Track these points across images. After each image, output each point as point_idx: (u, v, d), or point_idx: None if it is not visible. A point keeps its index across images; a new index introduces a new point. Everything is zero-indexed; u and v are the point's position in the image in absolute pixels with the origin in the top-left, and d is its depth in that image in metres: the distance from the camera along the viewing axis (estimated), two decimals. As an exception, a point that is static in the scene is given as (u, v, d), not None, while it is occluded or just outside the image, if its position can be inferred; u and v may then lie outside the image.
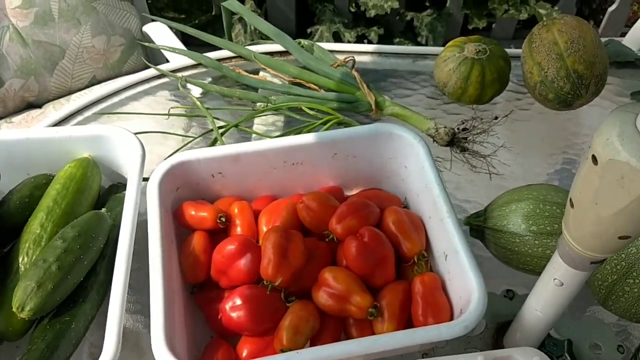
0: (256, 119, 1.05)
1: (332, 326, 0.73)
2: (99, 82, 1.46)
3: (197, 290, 0.78)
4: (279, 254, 0.72)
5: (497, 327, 0.79)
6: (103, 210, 0.77)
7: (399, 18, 2.19)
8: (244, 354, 0.71)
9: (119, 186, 0.86)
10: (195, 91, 1.10)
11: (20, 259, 0.71)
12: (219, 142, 0.96)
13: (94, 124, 1.02)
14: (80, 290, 0.70)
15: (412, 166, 0.82)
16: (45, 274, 0.66)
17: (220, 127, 0.97)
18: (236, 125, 1.00)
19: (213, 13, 2.14)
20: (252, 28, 1.95)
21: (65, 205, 0.76)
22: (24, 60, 1.33)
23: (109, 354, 0.61)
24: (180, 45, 1.31)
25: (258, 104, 1.05)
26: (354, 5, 2.13)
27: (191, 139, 1.00)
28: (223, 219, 0.78)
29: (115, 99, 1.06)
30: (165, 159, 0.79)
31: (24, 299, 0.64)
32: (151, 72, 1.11)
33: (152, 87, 1.11)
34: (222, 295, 0.76)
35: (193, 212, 0.79)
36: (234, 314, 0.71)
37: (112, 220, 0.77)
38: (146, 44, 1.25)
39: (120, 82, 1.08)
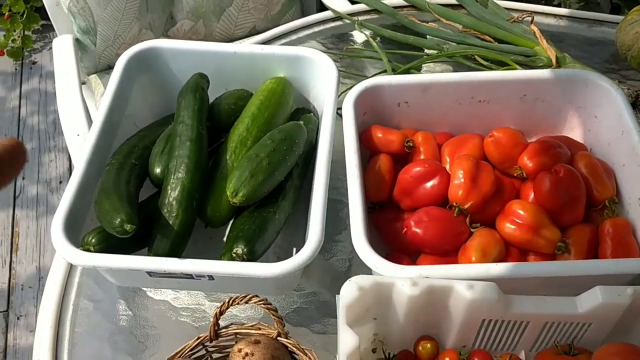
0: (424, 66, 1.06)
1: (515, 257, 0.73)
2: (257, 32, 1.52)
3: (377, 209, 0.80)
4: (469, 179, 0.73)
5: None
6: (301, 122, 0.81)
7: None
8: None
9: (303, 110, 0.89)
10: (361, 38, 1.13)
11: (228, 156, 0.76)
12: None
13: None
14: (279, 190, 0.74)
15: (605, 115, 0.80)
16: (257, 166, 0.70)
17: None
18: (408, 69, 1.01)
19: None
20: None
21: (267, 115, 0.81)
22: (197, 2, 1.41)
23: (314, 241, 0.65)
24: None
25: (429, 51, 1.06)
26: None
27: (362, 78, 1.02)
28: (410, 144, 0.80)
29: (293, 37, 1.11)
30: (357, 83, 0.81)
31: (238, 185, 0.69)
32: (324, 15, 1.15)
33: (321, 30, 1.14)
34: (401, 217, 0.78)
35: (380, 135, 0.81)
36: (418, 230, 0.73)
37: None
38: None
39: (297, 23, 1.13)
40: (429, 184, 0.76)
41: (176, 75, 0.88)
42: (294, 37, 1.11)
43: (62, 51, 1.24)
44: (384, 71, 1.03)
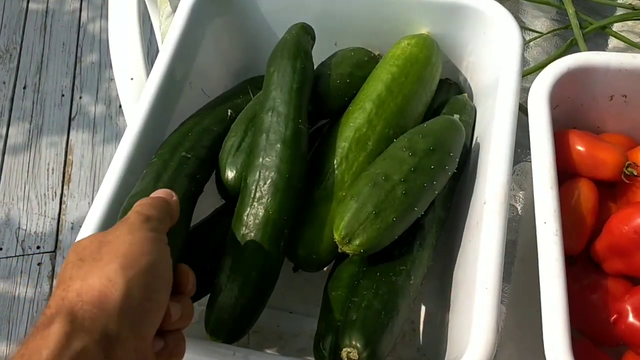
0: (618, 24, 0.73)
1: None
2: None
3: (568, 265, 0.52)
4: None
5: None
6: (456, 116, 0.52)
7: None
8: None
9: (449, 84, 0.60)
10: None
11: (336, 162, 0.49)
12: (579, 46, 0.66)
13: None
14: (415, 229, 0.47)
15: None
16: (387, 197, 0.43)
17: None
18: (603, 27, 0.69)
19: None
20: None
21: (402, 99, 0.52)
22: None
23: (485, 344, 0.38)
24: None
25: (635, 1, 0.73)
26: None
27: (536, 35, 0.70)
28: (634, 172, 0.50)
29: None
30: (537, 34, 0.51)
31: (353, 227, 0.43)
32: None
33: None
34: (603, 285, 0.50)
35: (582, 149, 0.52)
36: (638, 323, 0.45)
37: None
38: None
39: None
40: (665, 248, 0.47)
41: (265, 21, 0.60)
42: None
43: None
44: (565, 27, 0.71)
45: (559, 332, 0.40)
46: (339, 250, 0.45)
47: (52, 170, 1.51)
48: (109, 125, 1.59)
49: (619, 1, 0.73)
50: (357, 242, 0.43)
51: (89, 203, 1.46)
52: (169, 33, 0.55)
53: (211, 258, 0.47)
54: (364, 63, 0.56)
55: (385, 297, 0.43)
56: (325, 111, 0.54)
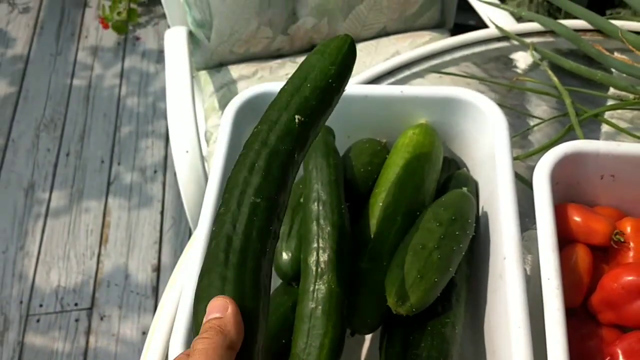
0: (610, 112, 0.85)
1: None
2: (387, 34, 1.34)
3: (568, 316, 0.62)
4: None
5: None
6: (464, 189, 0.63)
7: None
8: None
9: (449, 162, 0.71)
10: (524, 63, 0.93)
11: (372, 238, 0.59)
12: (575, 131, 0.78)
13: (422, 84, 0.88)
14: (451, 286, 0.57)
15: None
16: (426, 262, 0.53)
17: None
18: (596, 115, 0.81)
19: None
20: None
21: (418, 179, 0.63)
22: (324, -2, 1.24)
23: None
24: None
25: (615, 91, 0.85)
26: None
27: (538, 121, 0.82)
28: (620, 239, 0.61)
29: (440, 60, 0.92)
30: (553, 145, 0.63)
31: (404, 290, 0.52)
32: (479, 34, 0.95)
33: (477, 53, 0.95)
34: (598, 333, 0.59)
35: (578, 219, 0.62)
36: (629, 366, 0.54)
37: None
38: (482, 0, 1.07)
39: (450, 41, 0.93)
40: (649, 302, 0.56)
41: None
42: (447, 57, 0.92)
43: (175, 48, 1.10)
44: (563, 115, 0.83)
45: (561, 366, 0.49)
46: (394, 312, 0.53)
47: (91, 231, 1.63)
48: (143, 190, 1.71)
49: (609, 93, 0.85)
50: (409, 303, 0.52)
51: (124, 262, 1.56)
52: (217, 146, 0.64)
53: (278, 337, 0.54)
54: (377, 152, 0.67)
55: (440, 346, 0.52)
56: (354, 195, 0.64)
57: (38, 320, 1.47)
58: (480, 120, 0.66)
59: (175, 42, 1.12)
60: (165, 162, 1.76)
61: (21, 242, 1.61)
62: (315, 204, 0.59)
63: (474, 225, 0.60)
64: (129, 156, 1.78)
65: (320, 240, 0.56)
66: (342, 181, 0.62)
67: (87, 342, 1.43)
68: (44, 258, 1.58)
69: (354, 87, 0.69)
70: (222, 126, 0.67)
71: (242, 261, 0.40)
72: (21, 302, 1.50)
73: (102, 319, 1.46)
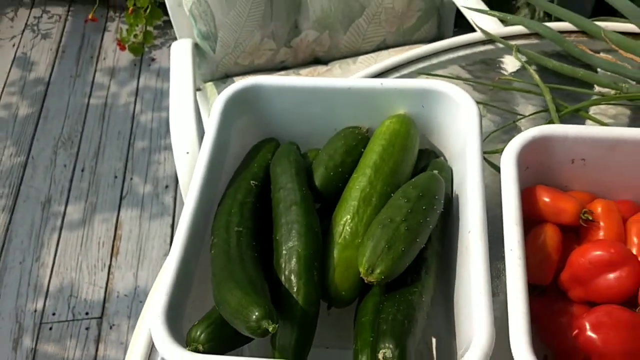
0: (594, 108, 0.87)
1: None
2: (387, 47, 1.38)
3: (536, 294, 0.63)
4: (674, 277, 0.55)
5: None
6: (436, 172, 0.66)
7: None
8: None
9: (428, 153, 0.74)
10: (511, 65, 0.96)
11: (349, 217, 0.62)
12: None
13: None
14: (420, 260, 0.59)
15: None
16: (394, 234, 0.56)
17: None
18: (577, 111, 0.83)
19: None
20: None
21: (393, 163, 0.66)
22: (324, 12, 1.29)
23: (486, 337, 0.50)
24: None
25: (600, 88, 0.88)
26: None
27: (519, 117, 0.85)
28: (589, 217, 0.63)
29: (427, 62, 0.95)
30: (525, 130, 0.65)
31: (373, 259, 0.55)
32: (467, 37, 0.99)
33: (466, 55, 0.98)
34: (570, 310, 0.61)
35: (547, 200, 0.64)
36: (595, 336, 0.55)
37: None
38: (468, 7, 1.11)
39: (437, 45, 0.97)
40: (613, 276, 0.58)
41: (280, 116, 0.74)
42: (434, 60, 0.95)
43: (180, 59, 1.16)
44: (544, 110, 0.85)
45: (521, 327, 0.51)
46: (365, 281, 0.56)
47: (103, 243, 1.67)
48: (155, 204, 1.75)
49: (594, 92, 0.87)
50: (378, 271, 0.55)
51: (134, 274, 1.60)
52: (205, 136, 0.68)
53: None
54: (352, 148, 0.70)
55: (405, 311, 0.54)
56: (324, 197, 0.68)
57: (51, 328, 1.51)
58: (454, 110, 0.69)
59: (180, 52, 1.17)
60: (177, 176, 1.81)
61: (37, 254, 1.66)
62: (280, 191, 0.64)
63: (442, 202, 0.62)
64: (142, 171, 1.83)
65: (286, 217, 0.61)
66: (303, 174, 0.67)
67: (97, 350, 1.47)
68: (57, 269, 1.62)
69: (338, 80, 0.73)
70: (211, 115, 0.70)
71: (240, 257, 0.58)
72: (35, 311, 1.54)
73: (111, 327, 1.50)
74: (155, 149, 1.89)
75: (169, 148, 1.88)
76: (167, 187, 1.79)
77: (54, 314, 1.53)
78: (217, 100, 0.72)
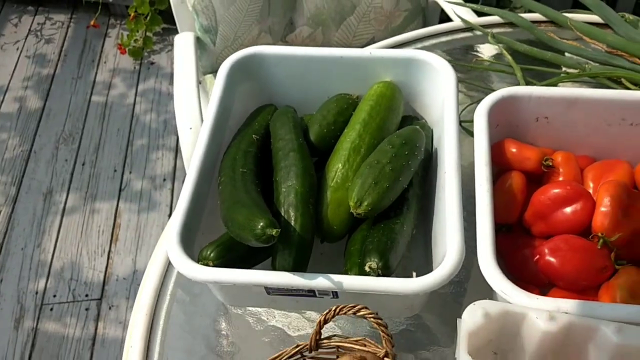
0: (560, 84, 0.97)
1: (668, 304, 0.62)
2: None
3: (503, 232, 0.72)
4: (619, 208, 0.64)
5: None
6: (418, 127, 0.75)
7: None
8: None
9: (412, 118, 0.83)
10: (489, 51, 1.05)
11: (341, 165, 0.71)
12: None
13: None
14: (402, 199, 0.68)
15: None
16: (380, 173, 0.65)
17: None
18: (546, 87, 0.92)
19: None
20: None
21: (379, 120, 0.75)
22: (318, 9, 1.38)
23: (454, 258, 0.58)
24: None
25: (568, 70, 0.97)
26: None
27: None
28: (549, 163, 0.72)
29: (419, 45, 1.05)
30: (493, 92, 0.74)
31: (361, 194, 0.64)
32: (449, 25, 1.09)
33: (448, 41, 1.08)
34: (532, 243, 0.70)
35: (514, 150, 0.73)
36: (553, 259, 0.64)
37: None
38: (449, 1, 1.22)
39: (421, 31, 1.07)
40: (569, 209, 0.67)
41: (279, 83, 0.84)
42: (419, 45, 1.05)
43: (183, 48, 1.25)
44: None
45: (488, 242, 0.59)
46: (355, 214, 0.64)
47: (103, 231, 1.74)
48: (152, 196, 1.83)
49: (558, 70, 0.97)
50: (365, 203, 0.64)
51: (132, 259, 1.67)
52: (212, 95, 0.77)
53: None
54: (343, 110, 0.79)
55: (389, 235, 0.63)
56: (319, 151, 0.77)
57: (51, 309, 1.57)
58: (434, 76, 0.78)
59: (184, 42, 1.26)
60: (174, 172, 1.89)
61: (38, 240, 1.72)
62: (280, 142, 0.73)
63: (422, 150, 0.71)
64: (140, 167, 1.91)
65: (285, 162, 0.70)
66: (300, 128, 0.76)
67: (96, 329, 1.53)
68: (58, 254, 1.69)
69: (331, 49, 0.82)
70: (217, 78, 0.79)
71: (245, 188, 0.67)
72: (36, 293, 1.60)
73: (110, 308, 1.56)
74: (153, 146, 1.97)
75: (167, 146, 1.96)
76: (164, 180, 1.87)
77: (54, 296, 1.59)
78: (223, 65, 0.81)
